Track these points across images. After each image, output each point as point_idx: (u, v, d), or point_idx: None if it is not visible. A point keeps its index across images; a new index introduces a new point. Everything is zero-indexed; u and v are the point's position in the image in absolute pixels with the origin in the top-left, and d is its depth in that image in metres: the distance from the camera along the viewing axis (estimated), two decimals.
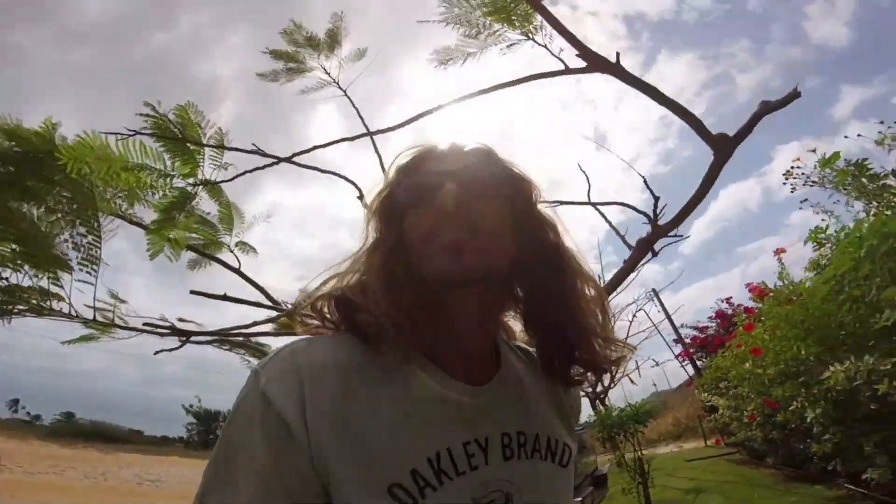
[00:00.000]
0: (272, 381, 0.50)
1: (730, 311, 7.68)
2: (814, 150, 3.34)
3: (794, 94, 1.93)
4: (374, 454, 0.49)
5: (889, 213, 2.84)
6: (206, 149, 3.27)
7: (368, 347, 0.56)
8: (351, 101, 5.14)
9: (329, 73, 5.14)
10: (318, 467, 0.48)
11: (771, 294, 4.22)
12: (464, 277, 0.54)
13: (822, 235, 3.51)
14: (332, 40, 5.09)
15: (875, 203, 3.17)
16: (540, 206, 0.66)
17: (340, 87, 5.15)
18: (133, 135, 2.66)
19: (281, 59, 5.15)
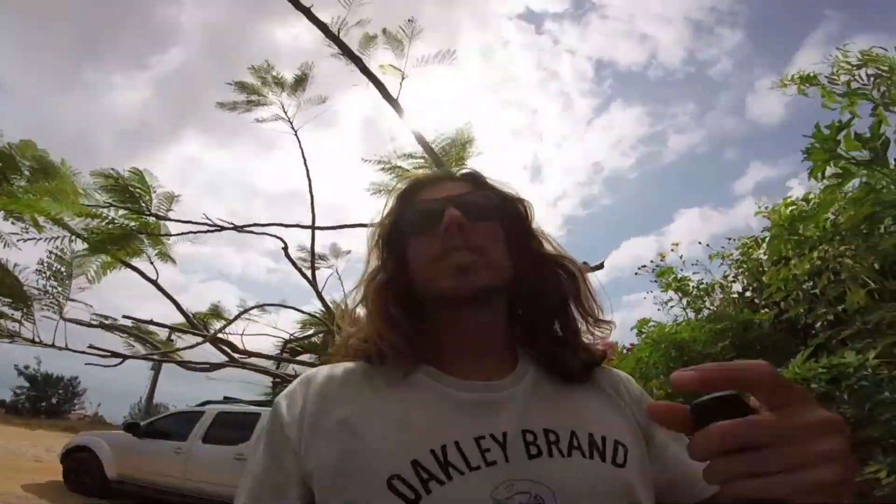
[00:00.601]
0: (283, 399, 0.58)
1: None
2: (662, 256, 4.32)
3: (599, 266, 3.35)
4: (376, 450, 0.50)
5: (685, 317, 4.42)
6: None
7: (375, 366, 0.61)
8: (299, 143, 6.15)
9: (286, 112, 6.12)
10: (307, 471, 0.52)
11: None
12: (472, 294, 0.58)
13: (644, 327, 5.07)
14: (297, 84, 6.11)
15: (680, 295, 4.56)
16: (532, 222, 0.70)
17: (293, 128, 6.14)
18: (96, 206, 3.79)
19: (245, 91, 6.09)
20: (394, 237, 0.67)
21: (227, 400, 7.32)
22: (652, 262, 4.16)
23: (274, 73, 6.26)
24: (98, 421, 29.28)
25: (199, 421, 6.24)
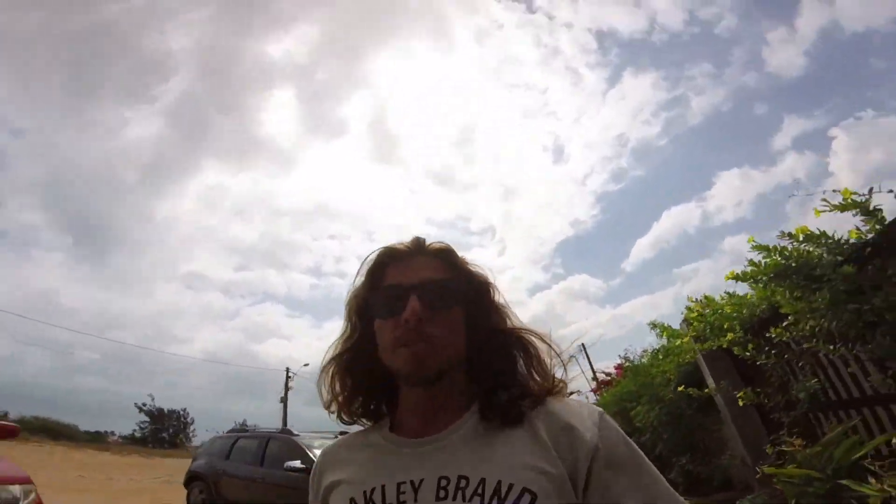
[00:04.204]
0: (313, 467, 0.78)
1: (625, 364, 9.97)
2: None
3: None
4: (340, 490, 0.70)
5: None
6: None
7: (367, 428, 0.78)
8: None
9: None
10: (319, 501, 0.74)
11: (628, 369, 6.58)
12: (425, 379, 0.67)
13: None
14: None
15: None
16: (493, 298, 0.77)
17: None
18: None
19: None
20: (364, 312, 0.76)
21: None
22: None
23: None
24: None
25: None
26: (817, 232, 3.08)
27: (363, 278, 0.77)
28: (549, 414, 0.67)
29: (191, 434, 36.91)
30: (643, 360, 7.36)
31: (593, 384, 15.14)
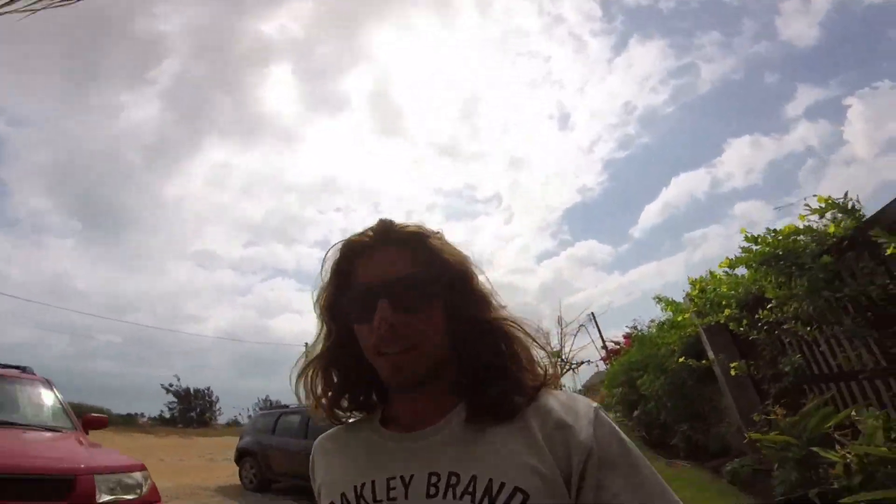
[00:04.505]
0: (311, 458, 0.78)
1: (633, 333, 10.34)
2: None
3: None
4: (330, 483, 0.69)
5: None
6: None
7: (360, 418, 0.76)
8: None
9: None
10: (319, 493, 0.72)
11: (636, 339, 6.95)
12: (406, 384, 0.66)
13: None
14: None
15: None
16: (475, 284, 0.70)
17: None
18: None
19: None
20: (335, 313, 0.71)
21: None
22: None
23: None
24: (235, 424, 33.41)
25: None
26: (802, 227, 3.38)
27: (329, 276, 0.72)
28: (542, 410, 0.64)
29: (216, 412, 38.07)
30: (651, 331, 7.68)
31: (603, 353, 15.59)
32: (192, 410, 37.13)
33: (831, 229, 3.14)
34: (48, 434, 3.36)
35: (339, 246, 0.72)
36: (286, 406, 8.93)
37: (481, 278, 0.72)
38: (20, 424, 3.31)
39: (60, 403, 3.87)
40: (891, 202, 2.83)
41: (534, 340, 0.71)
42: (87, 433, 3.74)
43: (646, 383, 6.31)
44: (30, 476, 2.56)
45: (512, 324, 0.70)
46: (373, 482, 0.63)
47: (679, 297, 5.88)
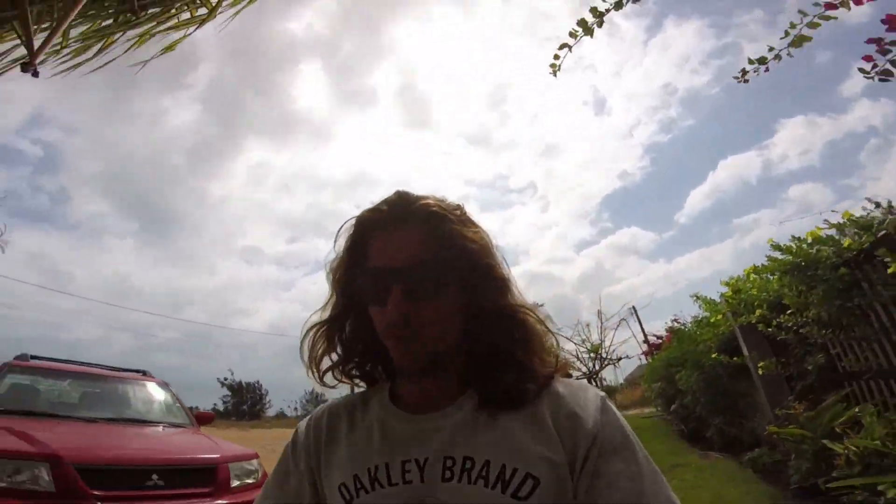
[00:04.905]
0: (304, 422, 0.75)
1: (676, 327, 10.52)
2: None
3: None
4: (339, 463, 0.67)
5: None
6: None
7: (365, 390, 0.76)
8: None
9: None
10: (308, 466, 0.70)
11: (675, 334, 7.27)
12: (416, 369, 0.65)
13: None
14: None
15: None
16: (495, 270, 0.69)
17: None
18: None
19: None
20: (348, 290, 0.72)
21: None
22: None
23: None
24: (282, 417, 34.45)
25: None
26: (824, 237, 3.71)
27: (343, 251, 0.72)
28: (554, 398, 0.64)
29: (266, 405, 39.53)
30: (691, 327, 7.89)
31: (644, 347, 15.23)
32: (244, 403, 39.02)
33: (847, 243, 3.46)
34: (177, 430, 4.08)
35: (354, 220, 0.71)
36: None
37: (502, 265, 0.71)
38: (154, 422, 4.06)
39: (178, 402, 4.65)
40: None
41: (547, 328, 0.71)
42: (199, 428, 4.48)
43: (683, 378, 6.61)
44: (188, 467, 3.23)
45: (527, 311, 0.70)
46: (387, 465, 0.63)
47: (724, 286, 6.13)
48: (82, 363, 4.66)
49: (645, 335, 16.01)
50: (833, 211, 3.57)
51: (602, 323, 15.43)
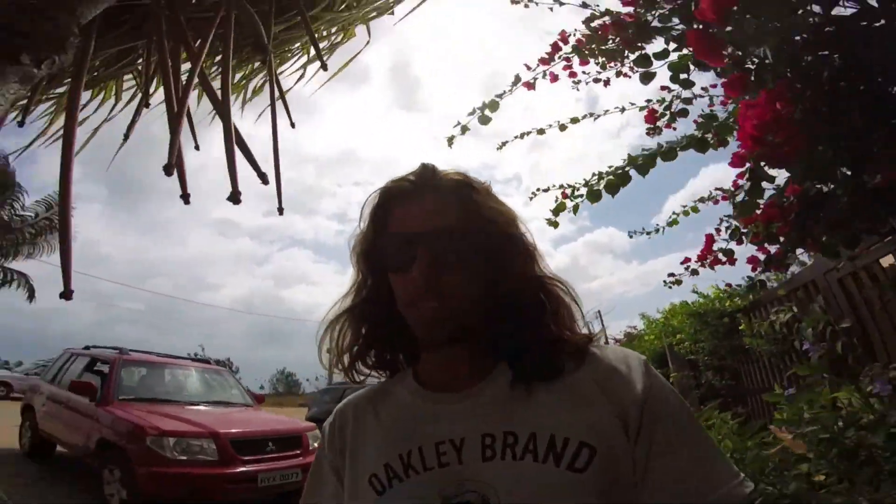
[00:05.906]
0: (328, 421, 0.74)
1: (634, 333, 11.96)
2: None
3: None
4: (367, 455, 0.64)
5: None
6: None
7: (387, 380, 0.74)
8: None
9: None
10: (335, 467, 0.69)
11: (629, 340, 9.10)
12: (442, 340, 0.63)
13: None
14: None
15: None
16: (520, 240, 0.68)
17: None
18: None
19: None
20: (372, 261, 0.69)
21: None
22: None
23: None
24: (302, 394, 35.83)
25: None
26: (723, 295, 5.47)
27: (367, 222, 0.70)
28: (595, 364, 0.62)
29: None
30: (644, 334, 9.39)
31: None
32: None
33: (727, 304, 5.20)
34: (252, 408, 5.55)
35: (379, 191, 0.70)
36: (345, 382, 11.31)
37: (528, 236, 0.70)
38: (238, 404, 5.51)
39: (241, 385, 6.08)
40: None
41: (573, 299, 0.69)
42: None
43: None
44: (288, 436, 4.70)
45: (556, 282, 0.69)
46: (420, 448, 0.60)
47: (701, 287, 7.69)
48: (167, 355, 6.01)
49: (606, 339, 17.62)
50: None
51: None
